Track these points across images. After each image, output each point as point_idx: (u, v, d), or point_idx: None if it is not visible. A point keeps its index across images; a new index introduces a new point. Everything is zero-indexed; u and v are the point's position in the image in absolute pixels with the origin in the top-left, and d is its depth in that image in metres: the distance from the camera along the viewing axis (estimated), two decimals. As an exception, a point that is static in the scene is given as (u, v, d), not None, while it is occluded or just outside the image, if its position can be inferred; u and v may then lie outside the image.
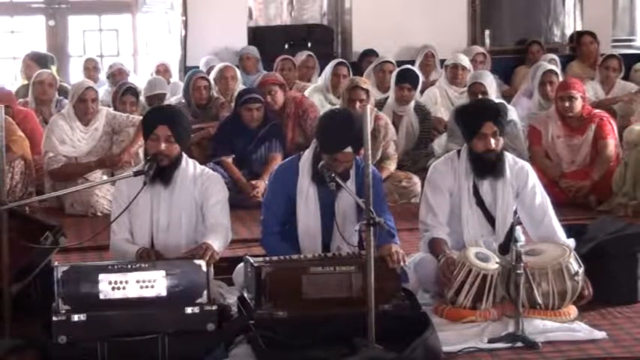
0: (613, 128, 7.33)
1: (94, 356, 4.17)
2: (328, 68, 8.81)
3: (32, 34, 11.07)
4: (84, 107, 7.25)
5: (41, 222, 5.14)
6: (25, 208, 6.43)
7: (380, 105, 7.90)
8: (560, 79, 8.24)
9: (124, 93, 8.02)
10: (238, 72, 8.86)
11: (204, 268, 4.35)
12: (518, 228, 4.66)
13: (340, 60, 9.18)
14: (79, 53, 10.96)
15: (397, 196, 7.32)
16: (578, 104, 7.21)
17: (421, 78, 8.17)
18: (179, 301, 4.29)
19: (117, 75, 9.49)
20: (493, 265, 4.75)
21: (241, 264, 4.89)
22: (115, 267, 4.33)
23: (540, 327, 4.58)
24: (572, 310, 4.78)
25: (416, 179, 7.39)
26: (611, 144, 7.21)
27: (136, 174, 4.76)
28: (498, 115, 5.06)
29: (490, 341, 4.44)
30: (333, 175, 4.73)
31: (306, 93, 8.53)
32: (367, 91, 7.22)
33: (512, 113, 7.54)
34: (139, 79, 9.91)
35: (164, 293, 4.30)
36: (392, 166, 7.44)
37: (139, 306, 4.25)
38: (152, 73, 9.86)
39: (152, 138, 4.83)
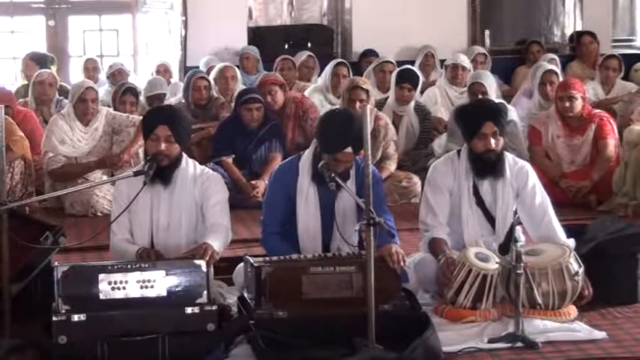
0: (613, 128, 7.33)
1: (94, 356, 4.17)
2: (328, 68, 8.81)
3: (32, 34, 11.07)
4: (84, 107, 7.25)
5: (41, 222, 5.15)
6: (25, 208, 6.43)
7: (380, 105, 7.89)
8: (560, 79, 8.24)
9: (123, 93, 8.02)
10: (238, 72, 8.86)
11: (204, 268, 4.35)
12: (518, 228, 4.67)
13: (340, 60, 9.18)
14: (79, 53, 10.96)
15: (397, 196, 7.32)
16: (578, 104, 7.21)
17: (421, 78, 8.17)
18: (179, 301, 4.29)
19: (117, 75, 9.50)
20: (493, 265, 4.75)
21: (241, 264, 4.89)
22: (115, 267, 4.33)
23: (540, 327, 4.58)
24: (572, 310, 4.78)
25: (416, 179, 7.39)
26: (611, 144, 7.21)
27: (136, 174, 4.76)
28: (498, 115, 5.06)
29: (490, 341, 4.44)
30: (333, 175, 4.73)
31: (306, 93, 8.53)
32: (367, 91, 7.22)
33: (512, 113, 7.54)
34: (139, 79, 9.91)
35: (164, 293, 4.30)
36: (392, 166, 7.44)
37: (139, 306, 4.25)
38: (152, 73, 9.86)
39: (152, 138, 4.83)
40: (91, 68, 9.94)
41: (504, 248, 4.84)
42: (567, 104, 7.19)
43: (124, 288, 4.27)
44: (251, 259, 4.64)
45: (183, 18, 10.14)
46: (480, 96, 7.52)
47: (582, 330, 4.59)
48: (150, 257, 4.65)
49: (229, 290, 5.09)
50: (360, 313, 4.13)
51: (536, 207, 5.09)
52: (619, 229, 5.22)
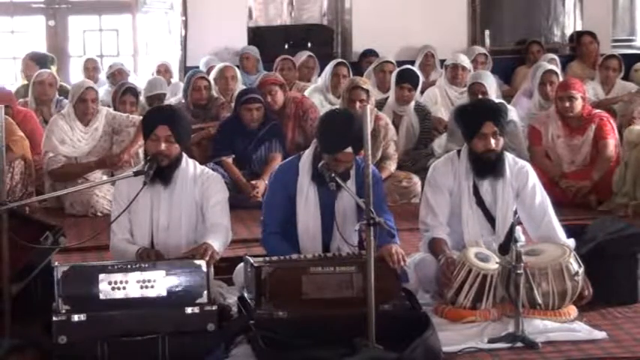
0: (613, 128, 7.33)
1: (94, 356, 4.17)
2: (328, 68, 8.81)
3: (32, 34, 11.07)
4: (84, 107, 7.24)
5: (41, 222, 5.15)
6: (25, 208, 6.42)
7: (380, 105, 7.89)
8: (560, 79, 8.24)
9: (123, 93, 8.01)
10: (238, 72, 8.86)
11: (204, 268, 4.35)
12: (518, 228, 4.67)
13: (340, 60, 9.17)
14: (79, 53, 10.95)
15: (397, 196, 7.31)
16: (578, 104, 7.21)
17: (421, 78, 8.17)
18: (179, 301, 4.29)
19: (117, 75, 9.50)
20: (493, 265, 4.75)
21: (241, 264, 4.90)
22: (115, 267, 4.33)
23: (540, 327, 4.58)
24: (572, 310, 4.78)
25: (416, 179, 7.39)
26: (612, 144, 7.20)
27: (136, 174, 4.76)
28: (498, 115, 5.06)
29: (490, 341, 4.44)
30: (333, 175, 4.73)
31: (306, 93, 8.53)
32: (367, 92, 7.22)
33: (512, 113, 7.54)
34: (139, 79, 9.91)
35: (164, 293, 4.30)
36: (392, 166, 7.44)
37: (139, 306, 4.26)
38: (153, 73, 9.86)
39: (152, 138, 4.83)
40: (91, 68, 9.94)
41: (504, 248, 4.83)
42: (567, 104, 7.19)
43: (124, 288, 4.28)
44: (251, 259, 4.64)
45: (183, 18, 10.14)
46: (480, 96, 7.52)
47: (582, 330, 4.59)
48: (150, 257, 4.66)
49: (229, 290, 5.09)
50: (360, 313, 4.13)
51: (536, 207, 5.09)
52: (619, 229, 5.22)
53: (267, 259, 4.69)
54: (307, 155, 5.05)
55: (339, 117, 5.06)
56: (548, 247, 4.92)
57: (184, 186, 4.90)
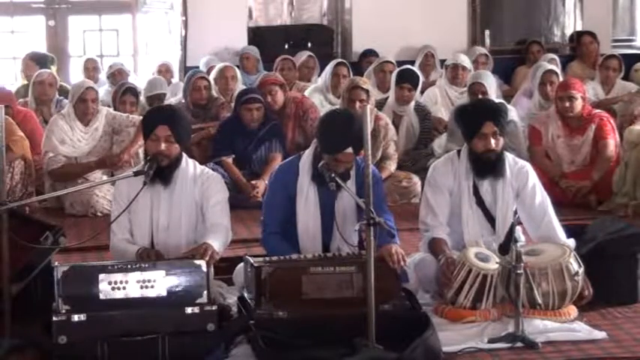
0: (613, 128, 7.33)
1: (94, 356, 4.17)
2: (328, 68, 8.81)
3: (32, 34, 11.07)
4: (84, 107, 7.25)
5: (41, 222, 5.15)
6: (25, 208, 6.43)
7: (380, 105, 7.89)
8: (560, 79, 8.24)
9: (124, 93, 8.01)
10: (238, 72, 8.86)
11: (204, 268, 4.35)
12: (518, 228, 4.67)
13: (340, 60, 9.17)
14: (79, 53, 10.95)
15: (397, 196, 7.32)
16: (578, 104, 7.21)
17: (421, 78, 8.17)
18: (179, 301, 4.29)
19: (117, 75, 9.50)
20: (493, 265, 4.75)
21: (241, 264, 4.90)
22: (115, 267, 4.33)
23: (540, 327, 4.58)
24: (572, 310, 4.78)
25: (416, 179, 7.39)
26: (612, 144, 7.21)
27: (136, 174, 4.76)
28: (498, 115, 5.06)
29: (490, 341, 4.44)
30: (333, 175, 4.73)
31: (306, 93, 8.53)
32: (367, 92, 7.22)
33: (513, 113, 7.54)
34: (139, 79, 9.91)
35: (164, 293, 4.30)
36: (392, 166, 7.44)
37: (139, 306, 4.25)
38: (153, 73, 9.86)
39: (152, 138, 4.83)
40: (91, 68, 9.94)
41: (504, 248, 4.83)
42: (567, 104, 7.19)
43: (124, 288, 4.27)
44: (251, 259, 4.64)
45: (183, 18, 10.14)
46: (480, 96, 7.52)
47: (582, 330, 4.59)
48: (150, 257, 4.66)
49: (229, 290, 5.09)
50: (360, 313, 4.13)
51: (536, 207, 5.09)
52: (619, 229, 5.22)
53: (267, 259, 4.69)
54: (307, 155, 5.05)
55: (339, 117, 5.06)
56: (548, 247, 4.92)
57: (184, 186, 4.90)
